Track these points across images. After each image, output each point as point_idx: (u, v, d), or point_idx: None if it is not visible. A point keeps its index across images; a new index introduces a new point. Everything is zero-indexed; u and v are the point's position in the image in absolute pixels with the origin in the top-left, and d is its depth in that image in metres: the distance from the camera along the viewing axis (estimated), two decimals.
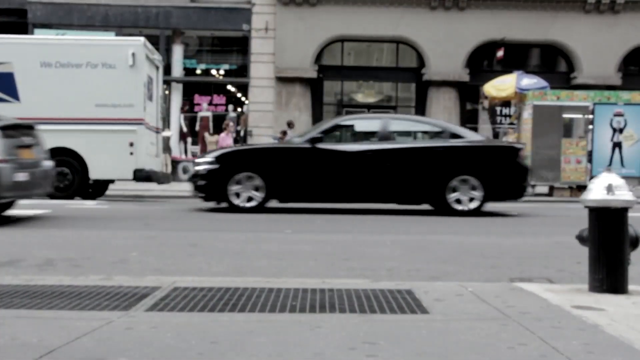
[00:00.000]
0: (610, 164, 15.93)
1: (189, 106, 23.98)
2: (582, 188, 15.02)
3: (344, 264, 5.97)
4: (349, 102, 24.32)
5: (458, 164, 11.17)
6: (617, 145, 16.60)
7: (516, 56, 23.15)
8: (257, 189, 11.01)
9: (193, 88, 24.14)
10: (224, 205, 11.25)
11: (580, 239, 4.36)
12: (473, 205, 11.06)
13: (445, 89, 23.13)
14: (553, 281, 5.09)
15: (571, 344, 3.03)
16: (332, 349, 2.94)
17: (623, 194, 4.14)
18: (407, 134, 12.68)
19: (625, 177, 4.66)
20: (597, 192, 4.17)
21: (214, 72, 24.18)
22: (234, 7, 23.31)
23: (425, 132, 12.31)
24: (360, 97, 24.63)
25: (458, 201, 11.06)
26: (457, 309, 3.77)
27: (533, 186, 16.90)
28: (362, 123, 12.51)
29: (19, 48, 14.63)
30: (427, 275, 5.39)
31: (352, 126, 12.41)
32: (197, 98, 24.00)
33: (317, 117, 23.09)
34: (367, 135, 11.96)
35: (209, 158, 11.39)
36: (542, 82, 18.16)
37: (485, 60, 23.78)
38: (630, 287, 4.24)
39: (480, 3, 22.88)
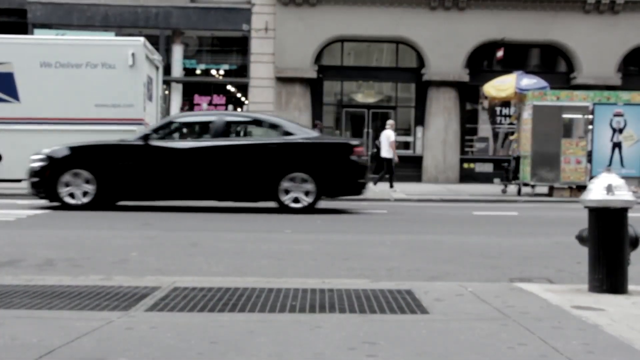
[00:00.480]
0: (610, 164, 15.91)
1: (188, 106, 23.95)
2: (582, 188, 15.00)
3: (344, 264, 5.97)
4: (348, 103, 24.32)
5: (290, 160, 11.07)
6: (617, 145, 16.59)
7: (516, 56, 23.14)
8: (89, 186, 10.91)
9: (193, 88, 24.12)
10: (56, 203, 11.06)
11: (580, 239, 4.36)
12: (306, 202, 10.97)
13: (445, 89, 23.11)
14: (553, 281, 5.09)
15: (571, 344, 3.03)
16: (332, 349, 2.94)
17: (623, 194, 4.14)
18: (241, 130, 12.48)
19: (625, 177, 4.66)
20: (597, 192, 4.17)
21: (213, 72, 24.16)
22: (233, 7, 23.30)
23: (259, 129, 12.12)
24: (360, 97, 24.61)
25: (293, 198, 10.99)
26: (457, 309, 3.77)
27: (533, 186, 16.89)
28: (197, 120, 12.39)
29: (19, 48, 14.63)
30: (427, 275, 5.40)
31: (187, 123, 12.27)
32: (196, 98, 23.97)
33: (317, 117, 23.07)
34: (203, 133, 11.80)
35: (41, 155, 11.16)
36: (542, 82, 18.13)
37: (485, 60, 23.77)
38: (630, 287, 4.24)
39: (480, 3, 22.87)
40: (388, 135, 18.28)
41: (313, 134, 11.92)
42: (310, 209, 10.97)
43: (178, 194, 11.26)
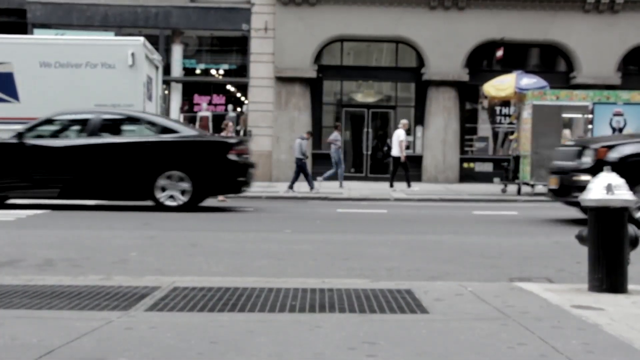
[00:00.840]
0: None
1: (188, 106, 23.97)
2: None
3: (343, 263, 5.97)
4: (348, 102, 24.31)
5: (166, 158, 10.98)
6: None
7: (516, 56, 23.12)
8: None
9: (192, 88, 24.11)
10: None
11: (580, 238, 4.36)
12: (182, 200, 10.89)
13: (444, 89, 23.10)
14: (553, 281, 5.09)
15: (571, 344, 3.04)
16: (332, 349, 2.94)
17: (622, 193, 4.14)
18: (118, 129, 12.08)
19: None
20: (596, 191, 4.17)
21: (213, 72, 24.15)
22: (233, 7, 23.29)
23: (137, 127, 11.96)
24: (359, 97, 24.60)
25: (169, 196, 10.91)
26: (457, 308, 3.77)
27: (532, 186, 16.89)
28: (73, 118, 12.16)
29: (18, 48, 14.63)
30: (427, 275, 5.40)
31: (65, 121, 12.00)
32: (196, 98, 23.97)
33: (316, 117, 23.08)
34: (80, 131, 11.61)
35: None
36: (541, 82, 18.13)
37: (485, 60, 23.75)
38: (630, 286, 4.24)
39: (479, 3, 22.86)
40: (398, 134, 18.40)
41: (192, 133, 11.78)
42: (188, 208, 10.88)
43: (52, 193, 11.13)
